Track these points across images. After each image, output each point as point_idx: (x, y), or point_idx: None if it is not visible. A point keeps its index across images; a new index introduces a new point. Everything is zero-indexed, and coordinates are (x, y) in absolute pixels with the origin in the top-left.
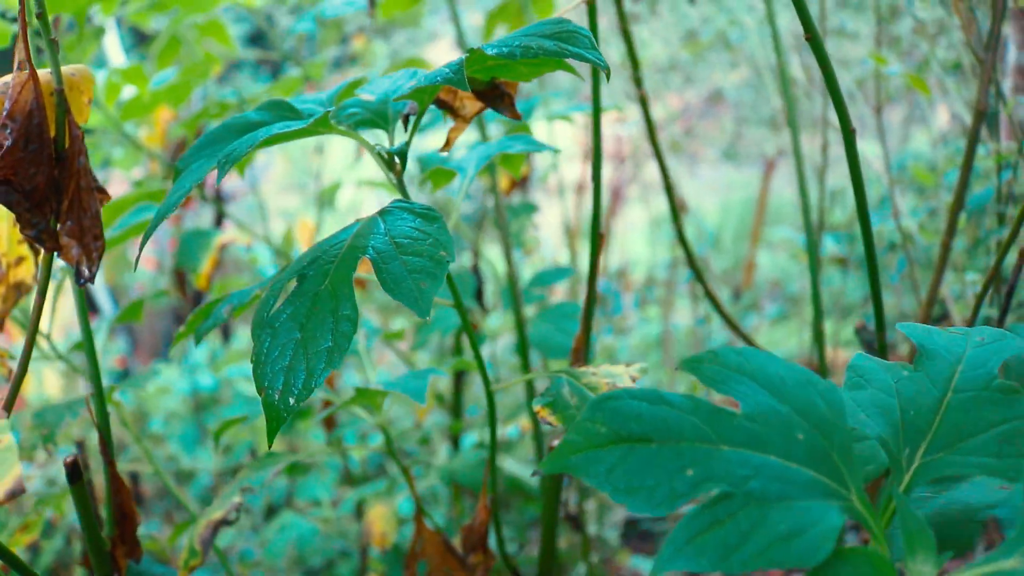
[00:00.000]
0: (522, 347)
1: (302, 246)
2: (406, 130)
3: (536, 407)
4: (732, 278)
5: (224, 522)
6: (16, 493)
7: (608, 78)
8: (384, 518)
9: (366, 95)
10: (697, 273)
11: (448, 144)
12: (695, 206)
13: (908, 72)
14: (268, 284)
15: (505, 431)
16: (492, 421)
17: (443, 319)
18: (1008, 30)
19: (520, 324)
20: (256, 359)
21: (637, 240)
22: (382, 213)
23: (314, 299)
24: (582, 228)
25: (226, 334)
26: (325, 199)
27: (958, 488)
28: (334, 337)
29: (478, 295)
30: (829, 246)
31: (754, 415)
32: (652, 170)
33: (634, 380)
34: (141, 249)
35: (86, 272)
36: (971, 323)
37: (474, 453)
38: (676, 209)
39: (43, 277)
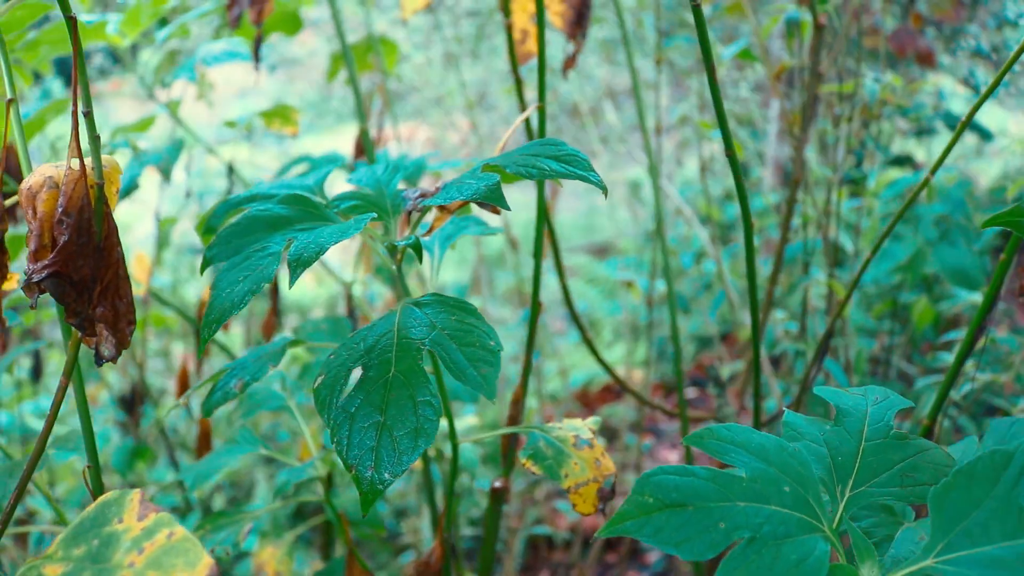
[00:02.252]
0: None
1: (139, 279)
2: (408, 222)
3: (522, 459)
4: (515, 298)
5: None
6: None
7: (606, 196)
8: (276, 557)
9: (357, 184)
10: (570, 306)
11: (430, 231)
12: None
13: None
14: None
15: None
16: (453, 470)
17: None
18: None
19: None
20: (340, 443)
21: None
22: (417, 304)
23: (386, 386)
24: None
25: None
26: (163, 233)
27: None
28: (417, 422)
29: None
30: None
31: (754, 477)
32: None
33: (592, 432)
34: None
35: (112, 352)
36: (809, 366)
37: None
38: (558, 253)
39: (69, 360)
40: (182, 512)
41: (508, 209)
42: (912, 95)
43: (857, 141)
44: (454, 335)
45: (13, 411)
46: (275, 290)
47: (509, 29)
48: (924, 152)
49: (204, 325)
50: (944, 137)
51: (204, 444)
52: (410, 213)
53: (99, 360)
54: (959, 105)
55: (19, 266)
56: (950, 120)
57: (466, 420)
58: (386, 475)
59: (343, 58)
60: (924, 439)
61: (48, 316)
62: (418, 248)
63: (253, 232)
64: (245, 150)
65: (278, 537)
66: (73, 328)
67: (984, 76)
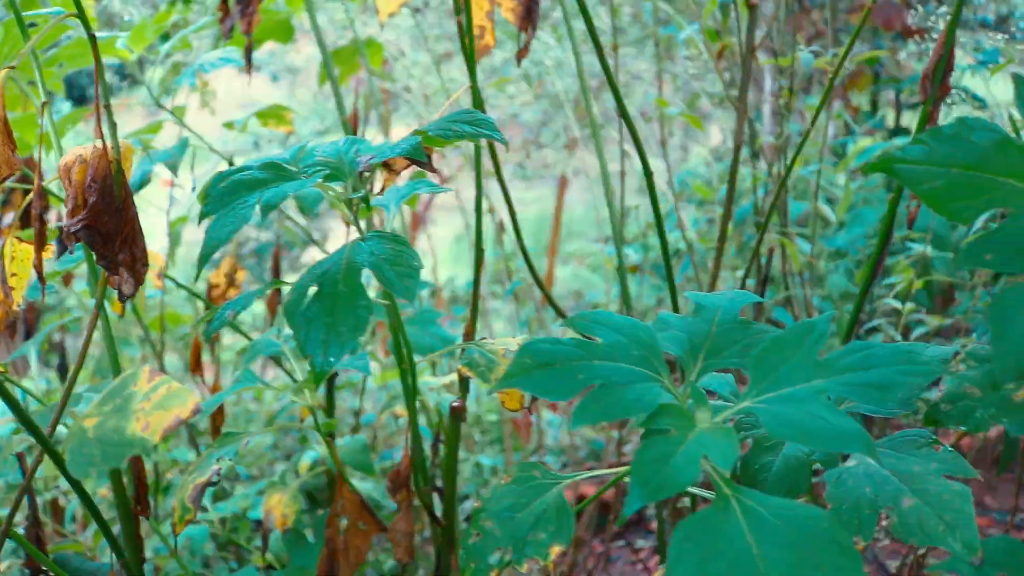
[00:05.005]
0: (398, 346)
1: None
2: (360, 180)
3: (459, 366)
4: (531, 292)
5: (209, 484)
6: (197, 412)
7: (507, 150)
8: (283, 502)
9: (322, 155)
10: (538, 282)
11: (382, 190)
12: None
13: (684, 111)
14: (291, 287)
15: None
16: (409, 391)
17: None
18: (767, 65)
19: (399, 326)
20: (300, 339)
21: (444, 258)
22: (363, 239)
23: (334, 297)
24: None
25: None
26: (174, 232)
27: (787, 447)
28: (354, 319)
29: None
30: (629, 255)
31: (610, 344)
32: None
33: (519, 344)
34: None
35: (131, 290)
36: None
37: (357, 439)
38: (517, 224)
39: (99, 295)
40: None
41: (430, 166)
42: (902, 68)
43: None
44: (387, 259)
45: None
46: (276, 270)
47: (460, 26)
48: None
49: (200, 259)
50: (944, 109)
51: (195, 362)
52: (362, 173)
53: (122, 297)
54: (966, 76)
55: None
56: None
57: (443, 379)
58: (332, 359)
59: (335, 62)
60: (766, 325)
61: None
62: (367, 199)
63: (237, 192)
64: (253, 156)
65: (284, 486)
66: (101, 270)
67: (991, 46)
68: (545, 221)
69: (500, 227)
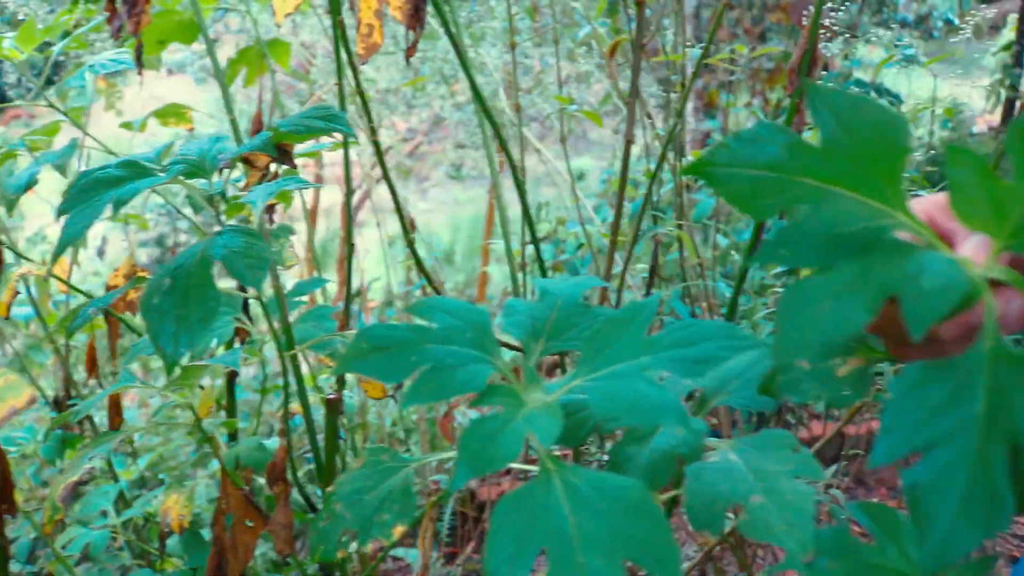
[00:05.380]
0: (289, 344)
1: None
2: (220, 176)
3: (321, 356)
4: (466, 292)
5: (80, 483)
6: (32, 402)
7: (358, 141)
8: (179, 503)
9: (186, 153)
10: (435, 288)
11: (247, 186)
12: (425, 224)
13: (585, 109)
14: (147, 284)
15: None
16: (287, 377)
17: (220, 327)
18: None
19: (287, 325)
20: (152, 331)
21: (373, 261)
22: (219, 234)
23: (186, 290)
24: (325, 248)
25: None
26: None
27: (656, 439)
28: (204, 311)
29: (244, 308)
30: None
31: (445, 327)
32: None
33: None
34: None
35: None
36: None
37: (253, 439)
38: (407, 228)
39: None
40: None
41: (290, 161)
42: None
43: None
44: (239, 251)
45: None
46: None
47: (340, 25)
48: None
49: (54, 254)
50: None
51: (90, 365)
52: (221, 170)
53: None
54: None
55: None
56: (859, 87)
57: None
58: (182, 349)
59: (240, 62)
60: (606, 308)
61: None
62: (223, 194)
63: (95, 189)
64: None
65: (182, 487)
66: None
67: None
68: (479, 222)
69: (412, 227)
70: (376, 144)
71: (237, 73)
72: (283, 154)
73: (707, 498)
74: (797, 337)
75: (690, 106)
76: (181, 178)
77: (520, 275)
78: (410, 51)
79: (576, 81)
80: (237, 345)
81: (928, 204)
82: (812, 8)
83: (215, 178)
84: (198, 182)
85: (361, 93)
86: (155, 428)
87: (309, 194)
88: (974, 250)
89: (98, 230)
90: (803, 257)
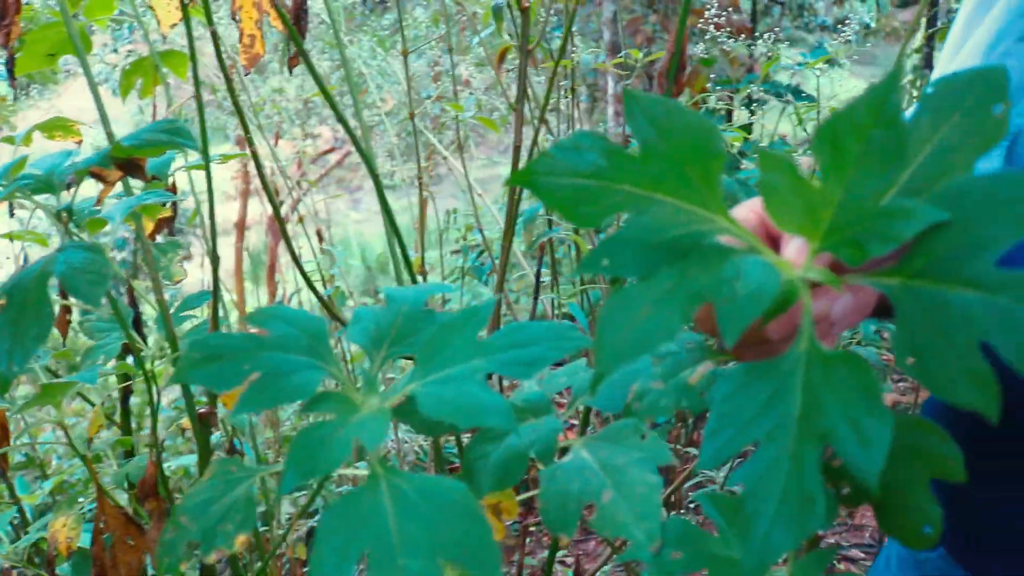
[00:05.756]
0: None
1: None
2: (68, 192)
3: None
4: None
5: None
6: None
7: (198, 153)
8: (67, 525)
9: (34, 170)
10: (331, 312)
11: (99, 201)
12: (359, 234)
13: (478, 115)
14: None
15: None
16: (152, 393)
17: (108, 344)
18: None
19: (173, 341)
20: None
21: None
22: (60, 250)
23: (22, 307)
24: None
25: None
26: None
27: (510, 439)
28: (39, 327)
29: (136, 323)
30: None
31: (280, 335)
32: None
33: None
34: None
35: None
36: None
37: (141, 458)
38: (288, 239)
39: None
40: None
41: (142, 175)
42: (736, 69)
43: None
44: (79, 268)
45: None
46: (63, 294)
47: (213, 35)
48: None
49: None
50: (774, 106)
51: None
52: (69, 185)
53: None
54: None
55: None
56: (776, 89)
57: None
58: (15, 368)
59: (134, 73)
60: (447, 312)
61: None
62: (69, 211)
63: None
64: None
65: (70, 509)
66: None
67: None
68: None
69: (320, 239)
70: (255, 155)
71: (132, 84)
72: (135, 168)
73: (560, 499)
74: (616, 346)
75: (611, 110)
76: (26, 193)
77: (411, 279)
78: (293, 61)
79: (497, 87)
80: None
81: (762, 207)
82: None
83: (63, 193)
84: (45, 197)
85: (236, 103)
86: (21, 447)
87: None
88: (795, 252)
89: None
90: (624, 266)
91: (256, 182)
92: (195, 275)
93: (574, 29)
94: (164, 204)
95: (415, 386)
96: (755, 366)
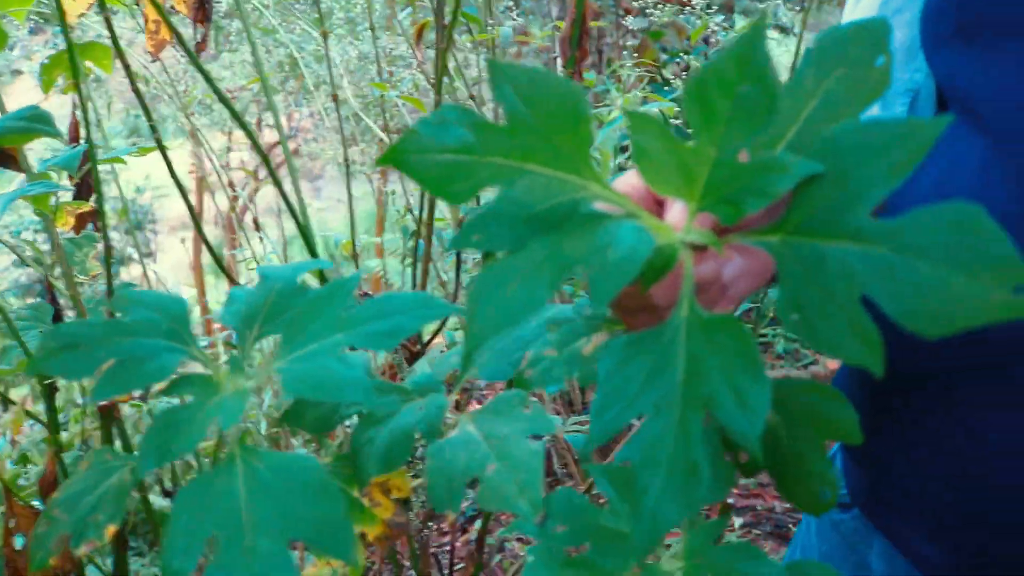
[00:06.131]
0: None
1: None
2: None
3: None
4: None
5: None
6: None
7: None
8: None
9: None
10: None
11: None
12: (321, 222)
13: (403, 94)
14: None
15: None
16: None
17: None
18: (557, 42)
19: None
20: None
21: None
22: None
23: None
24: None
25: None
26: None
27: (396, 419)
28: None
29: (56, 319)
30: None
31: (138, 321)
32: (273, 194)
33: None
34: None
35: None
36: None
37: (72, 452)
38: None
39: None
40: None
41: (15, 165)
42: (682, 40)
43: None
44: None
45: None
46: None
47: (107, 20)
48: None
49: None
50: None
51: None
52: None
53: None
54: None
55: None
56: None
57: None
58: None
59: (55, 67)
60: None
61: None
62: None
63: None
64: None
65: None
66: None
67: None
68: (371, 217)
69: (255, 225)
70: (159, 143)
71: (54, 78)
72: (7, 159)
73: (446, 475)
74: (485, 321)
75: None
76: None
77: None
78: (200, 46)
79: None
80: None
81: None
82: None
83: None
84: None
85: (136, 91)
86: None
87: (192, 199)
88: (677, 215)
89: None
90: (496, 239)
91: (213, 176)
92: (151, 272)
93: (526, 5)
94: (88, 199)
95: (280, 364)
96: (638, 337)
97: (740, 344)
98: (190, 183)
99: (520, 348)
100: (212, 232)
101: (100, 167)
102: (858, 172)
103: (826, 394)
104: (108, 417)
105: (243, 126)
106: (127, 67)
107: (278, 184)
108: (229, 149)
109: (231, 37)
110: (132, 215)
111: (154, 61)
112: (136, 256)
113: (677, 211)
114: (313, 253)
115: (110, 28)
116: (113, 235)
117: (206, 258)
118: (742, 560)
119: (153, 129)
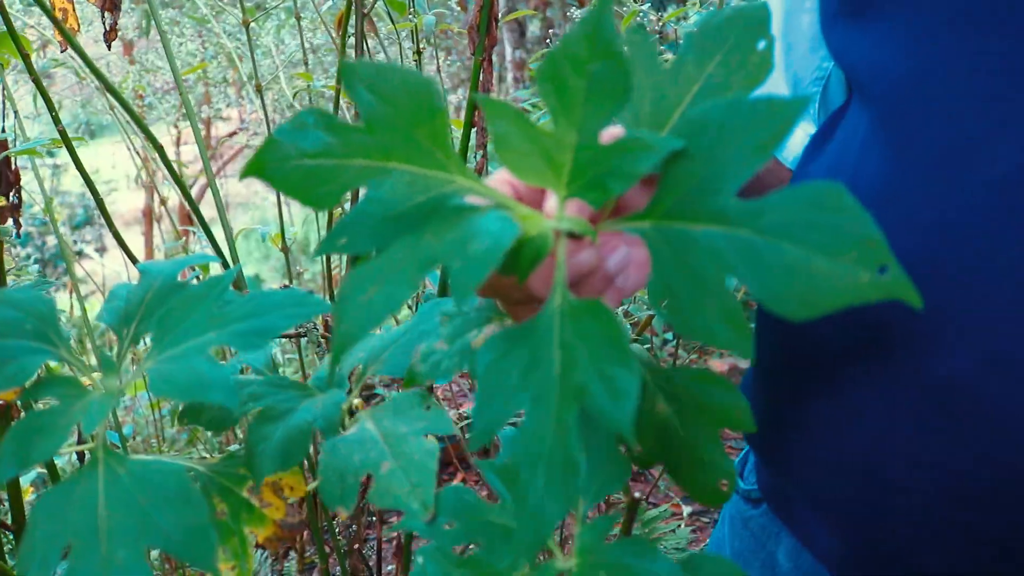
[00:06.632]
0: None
1: None
2: None
3: None
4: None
5: None
6: None
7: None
8: None
9: None
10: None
11: None
12: (277, 217)
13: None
14: None
15: None
16: None
17: None
18: (506, 32)
19: None
20: None
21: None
22: None
23: None
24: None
25: None
26: None
27: (294, 416)
28: None
29: None
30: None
31: (2, 321)
32: (232, 186)
33: None
34: None
35: None
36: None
37: None
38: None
39: None
40: None
41: None
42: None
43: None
44: None
45: None
46: None
47: (3, 10)
48: None
49: None
50: None
51: None
52: None
53: None
54: None
55: None
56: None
57: None
58: None
59: None
60: (197, 284)
61: None
62: None
63: None
64: None
65: None
66: None
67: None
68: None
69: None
70: (64, 135)
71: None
72: None
73: (339, 472)
74: (352, 323)
75: (510, 76)
76: None
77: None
78: (110, 35)
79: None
80: None
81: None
82: None
83: None
84: None
85: (37, 81)
86: None
87: (140, 196)
88: (553, 205)
89: None
90: (361, 243)
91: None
92: (112, 267)
93: None
94: (8, 194)
95: (149, 364)
96: (514, 330)
97: (608, 330)
98: (145, 177)
99: (421, 342)
100: (167, 228)
101: (42, 164)
102: (723, 152)
103: (718, 383)
104: (6, 417)
105: (145, 131)
106: (26, 57)
107: (182, 186)
108: (179, 143)
109: (175, 27)
110: (82, 210)
111: (64, 51)
112: (88, 251)
113: (552, 200)
114: (216, 249)
115: (6, 18)
116: (63, 230)
117: (161, 254)
118: (636, 556)
119: (56, 120)
